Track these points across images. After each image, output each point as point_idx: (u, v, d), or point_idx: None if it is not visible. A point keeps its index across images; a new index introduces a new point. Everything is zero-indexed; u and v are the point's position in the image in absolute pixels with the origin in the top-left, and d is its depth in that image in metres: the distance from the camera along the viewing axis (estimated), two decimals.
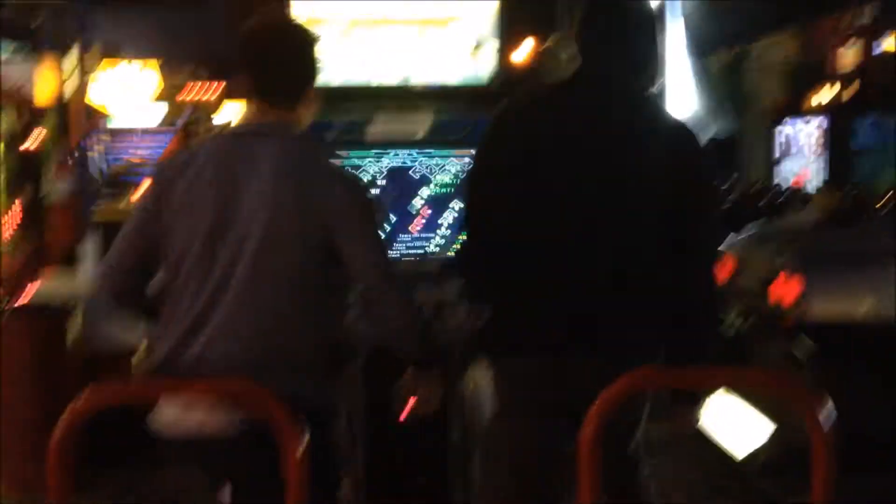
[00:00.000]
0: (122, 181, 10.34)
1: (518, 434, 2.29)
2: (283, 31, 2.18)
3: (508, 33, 3.41)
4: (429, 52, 3.29)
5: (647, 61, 2.29)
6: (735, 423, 4.59)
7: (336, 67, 3.13)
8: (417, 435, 3.04)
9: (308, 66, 2.13)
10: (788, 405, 4.15)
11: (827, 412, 1.46)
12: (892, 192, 8.12)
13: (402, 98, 3.32)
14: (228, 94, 14.16)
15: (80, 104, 5.28)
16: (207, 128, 12.93)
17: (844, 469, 1.60)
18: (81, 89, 5.30)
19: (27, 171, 7.41)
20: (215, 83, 13.54)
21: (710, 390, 2.36)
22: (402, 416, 2.34)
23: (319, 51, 2.15)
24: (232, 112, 14.52)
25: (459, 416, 3.20)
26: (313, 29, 2.24)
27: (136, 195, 9.43)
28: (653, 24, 2.34)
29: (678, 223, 2.11)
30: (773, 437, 4.38)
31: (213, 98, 13.44)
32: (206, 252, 2.00)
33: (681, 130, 2.25)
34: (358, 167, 3.16)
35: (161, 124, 11.87)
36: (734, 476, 4.33)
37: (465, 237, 2.55)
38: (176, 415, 1.90)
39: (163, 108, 11.92)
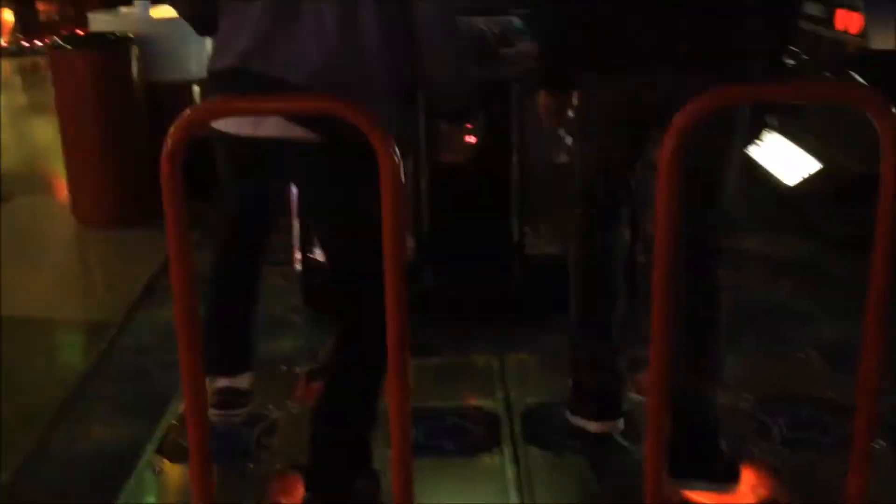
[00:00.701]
0: None
1: (604, 136, 2.39)
2: None
3: None
4: None
5: None
6: (783, 158, 4.68)
7: None
8: (480, 168, 3.17)
9: None
10: (832, 143, 4.26)
11: None
12: None
13: None
14: None
15: None
16: None
17: None
18: None
19: None
20: None
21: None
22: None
23: None
24: None
25: (520, 149, 3.30)
26: None
27: None
28: None
29: None
30: (820, 174, 4.48)
31: None
32: None
33: None
34: None
35: None
36: (783, 209, 4.47)
37: None
38: (252, 121, 1.98)
39: None
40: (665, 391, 1.75)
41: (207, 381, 2.28)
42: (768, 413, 2.65)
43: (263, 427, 2.63)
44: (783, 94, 1.84)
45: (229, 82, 2.03)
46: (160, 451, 2.52)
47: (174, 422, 2.67)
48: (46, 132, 5.58)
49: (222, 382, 2.57)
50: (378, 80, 2.03)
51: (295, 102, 1.79)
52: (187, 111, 1.62)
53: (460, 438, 2.56)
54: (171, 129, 1.63)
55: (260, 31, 2.00)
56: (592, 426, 2.50)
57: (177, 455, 2.50)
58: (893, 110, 1.56)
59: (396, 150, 1.61)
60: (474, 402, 2.74)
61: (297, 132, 1.96)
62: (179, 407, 2.73)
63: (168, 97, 4.60)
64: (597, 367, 2.50)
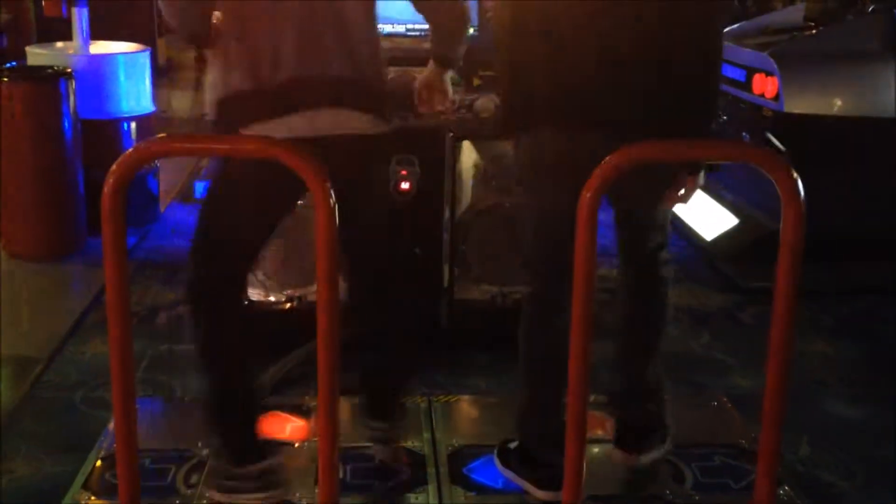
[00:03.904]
0: None
1: (549, 196, 2.41)
2: None
3: None
4: None
5: None
6: (704, 214, 4.88)
7: None
8: (414, 211, 3.26)
9: None
10: (748, 200, 4.46)
11: (800, 185, 1.65)
12: None
13: None
14: None
15: None
16: None
17: (809, 260, 1.80)
18: None
19: None
20: None
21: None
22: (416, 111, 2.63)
23: None
24: None
25: (452, 195, 3.40)
26: None
27: None
28: None
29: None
30: (737, 230, 4.69)
31: None
32: None
33: None
34: None
35: None
36: (702, 262, 4.65)
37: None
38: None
39: None
40: (583, 442, 1.84)
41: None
42: (683, 459, 2.75)
43: (190, 465, 2.63)
44: (692, 154, 1.97)
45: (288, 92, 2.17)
46: (86, 487, 2.52)
47: (101, 457, 2.66)
48: None
49: (262, 465, 2.38)
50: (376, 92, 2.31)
51: (239, 145, 1.86)
52: (131, 149, 1.67)
53: (387, 478, 2.60)
54: (114, 167, 1.67)
55: (262, 59, 2.17)
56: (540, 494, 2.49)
57: (103, 492, 2.49)
58: (793, 173, 1.70)
59: (332, 193, 1.68)
60: (401, 442, 2.79)
61: (374, 126, 2.27)
62: (104, 443, 2.73)
63: (105, 133, 4.62)
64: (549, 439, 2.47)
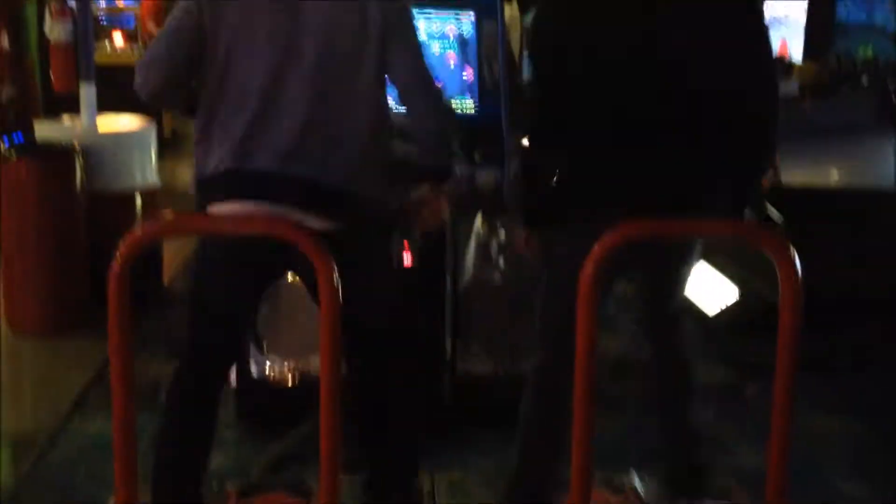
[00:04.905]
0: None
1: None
2: None
3: None
4: None
5: None
6: (707, 287, 4.88)
7: None
8: (418, 281, 3.27)
9: None
10: (751, 271, 4.47)
11: (797, 260, 1.66)
12: (873, 62, 8.15)
13: None
14: None
15: None
16: None
17: (807, 329, 1.80)
18: None
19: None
20: None
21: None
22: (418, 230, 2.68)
23: None
24: None
25: (454, 267, 3.42)
26: None
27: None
28: None
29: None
30: (739, 302, 4.69)
31: None
32: (263, 68, 2.15)
33: None
34: None
35: None
36: (705, 337, 4.62)
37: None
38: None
39: None
40: None
41: None
42: None
43: None
44: (687, 231, 1.99)
45: (224, 183, 2.15)
46: None
47: None
48: None
49: None
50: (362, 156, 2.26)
51: (247, 224, 1.88)
52: (136, 230, 1.69)
53: None
54: (120, 248, 1.69)
55: (236, 142, 2.16)
56: None
57: None
58: (791, 252, 1.71)
59: (336, 274, 1.70)
60: None
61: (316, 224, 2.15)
62: None
63: (110, 207, 4.66)
64: None
